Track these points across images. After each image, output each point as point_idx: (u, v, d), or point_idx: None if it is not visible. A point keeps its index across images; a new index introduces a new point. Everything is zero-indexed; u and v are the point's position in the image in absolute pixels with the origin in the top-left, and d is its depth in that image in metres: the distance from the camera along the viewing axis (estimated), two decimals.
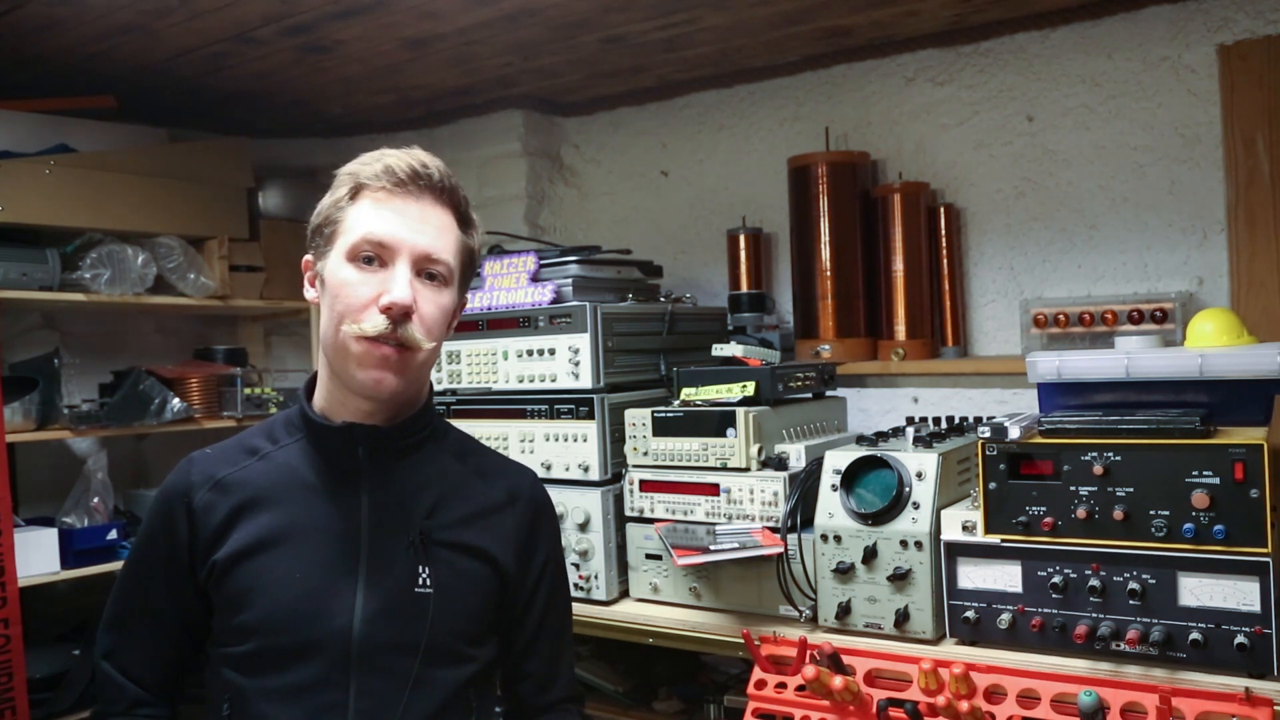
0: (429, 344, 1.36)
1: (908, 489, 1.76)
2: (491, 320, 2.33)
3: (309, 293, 1.44)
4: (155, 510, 1.44)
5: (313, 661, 1.33)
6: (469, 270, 1.47)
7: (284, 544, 1.36)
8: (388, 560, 1.38)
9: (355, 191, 1.37)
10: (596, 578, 2.15)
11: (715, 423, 2.03)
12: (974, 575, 1.69)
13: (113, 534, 2.72)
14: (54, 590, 2.76)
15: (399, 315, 1.32)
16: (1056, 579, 1.60)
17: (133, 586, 1.45)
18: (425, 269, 1.37)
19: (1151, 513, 1.54)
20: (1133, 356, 1.77)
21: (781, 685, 1.74)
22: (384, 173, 1.35)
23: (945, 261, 2.61)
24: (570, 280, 2.29)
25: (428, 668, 1.36)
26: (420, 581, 1.38)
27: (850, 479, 1.82)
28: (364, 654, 1.34)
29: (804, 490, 1.92)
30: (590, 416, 2.16)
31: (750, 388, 2.06)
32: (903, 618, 1.73)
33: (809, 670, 1.61)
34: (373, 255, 1.34)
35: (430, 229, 1.37)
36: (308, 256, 1.44)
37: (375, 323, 1.31)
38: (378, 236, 1.33)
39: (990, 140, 2.57)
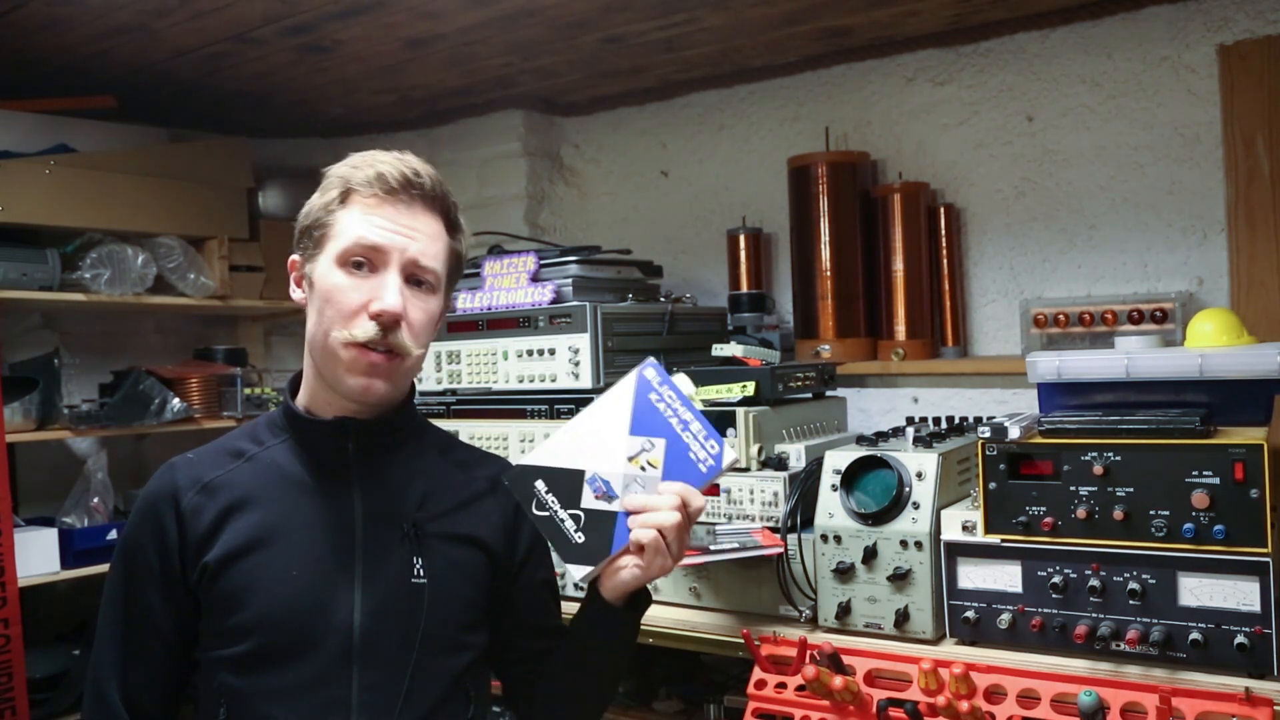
0: (417, 350, 1.39)
1: (908, 489, 1.76)
2: (491, 320, 2.33)
3: (295, 293, 1.47)
4: (140, 518, 1.40)
5: (314, 658, 1.33)
6: (455, 274, 1.49)
7: (277, 542, 1.36)
8: (383, 553, 1.38)
9: (346, 196, 1.38)
10: None
11: (715, 423, 2.02)
12: (974, 575, 1.69)
13: (113, 534, 2.71)
14: (54, 590, 2.76)
15: (389, 322, 1.34)
16: (1056, 579, 1.60)
17: (127, 604, 1.39)
18: (414, 276, 1.38)
19: (1151, 513, 1.54)
20: (1133, 356, 1.77)
21: (781, 685, 1.74)
22: (376, 179, 1.36)
23: (945, 261, 2.61)
24: (570, 280, 2.29)
25: (426, 658, 1.37)
26: (415, 572, 1.39)
27: (850, 479, 1.82)
28: (366, 648, 1.34)
29: (804, 490, 1.92)
30: None
31: (750, 388, 2.06)
32: (903, 618, 1.73)
33: (809, 670, 1.61)
34: (363, 260, 1.36)
35: (421, 236, 1.38)
36: (294, 256, 1.46)
37: (366, 329, 1.33)
38: (369, 242, 1.35)
39: (990, 140, 2.57)
